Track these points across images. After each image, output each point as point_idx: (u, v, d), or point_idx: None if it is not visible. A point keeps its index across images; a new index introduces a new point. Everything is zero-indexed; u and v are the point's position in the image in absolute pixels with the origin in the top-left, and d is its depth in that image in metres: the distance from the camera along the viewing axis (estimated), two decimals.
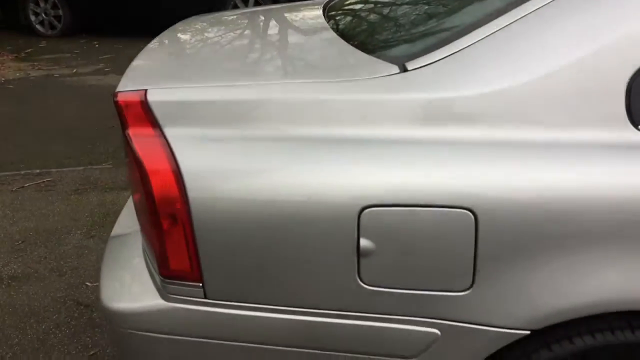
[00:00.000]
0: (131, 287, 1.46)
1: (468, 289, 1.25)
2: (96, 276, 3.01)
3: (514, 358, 1.32)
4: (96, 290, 2.89)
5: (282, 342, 1.34)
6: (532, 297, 1.24)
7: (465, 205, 1.20)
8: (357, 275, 1.27)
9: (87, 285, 2.94)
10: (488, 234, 1.21)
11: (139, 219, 1.48)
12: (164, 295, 1.37)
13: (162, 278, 1.35)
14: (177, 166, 1.28)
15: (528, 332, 1.26)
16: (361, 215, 1.23)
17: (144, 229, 1.42)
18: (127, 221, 1.80)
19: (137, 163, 1.32)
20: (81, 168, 4.53)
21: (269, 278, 1.30)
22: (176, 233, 1.30)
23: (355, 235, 1.24)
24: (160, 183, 1.29)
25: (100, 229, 3.54)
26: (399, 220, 1.22)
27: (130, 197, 2.00)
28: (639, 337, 1.28)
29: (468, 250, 1.22)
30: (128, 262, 1.56)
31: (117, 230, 1.76)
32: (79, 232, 3.52)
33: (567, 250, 1.21)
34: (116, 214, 3.71)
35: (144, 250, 1.54)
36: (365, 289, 1.27)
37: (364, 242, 1.24)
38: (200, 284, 1.33)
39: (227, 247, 1.29)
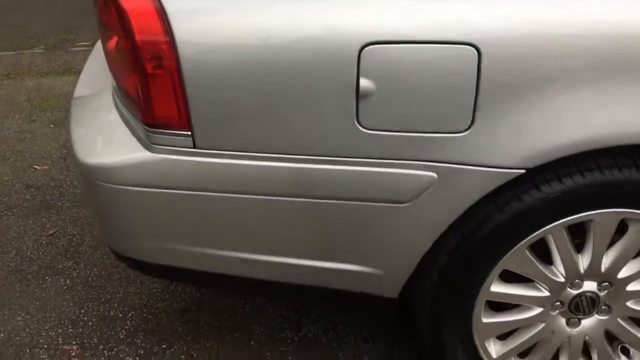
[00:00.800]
0: (109, 142, 1.37)
1: (467, 129, 1.23)
2: (44, 160, 2.88)
3: (505, 200, 1.34)
4: (46, 173, 2.77)
5: (275, 192, 1.31)
6: (529, 134, 1.24)
7: (468, 40, 1.16)
8: (355, 119, 1.23)
9: (35, 168, 2.81)
10: (490, 71, 1.18)
11: (113, 70, 1.37)
12: (148, 146, 1.29)
13: (146, 127, 1.28)
14: (160, 4, 1.18)
15: (523, 171, 1.27)
16: (362, 54, 1.17)
17: (122, 79, 1.32)
18: (88, 84, 1.68)
19: (113, 3, 1.21)
20: (11, 53, 4.23)
21: (262, 124, 1.24)
22: (161, 77, 1.21)
23: (355, 75, 1.19)
24: (142, 24, 1.19)
25: (41, 113, 3.36)
26: (401, 57, 1.18)
27: (88, 62, 1.86)
28: (625, 175, 1.32)
29: (469, 88, 1.19)
30: (99, 118, 1.46)
31: (79, 92, 1.65)
32: (17, 116, 3.32)
33: (564, 86, 1.20)
34: (56, 98, 3.51)
35: (116, 105, 1.44)
36: (364, 132, 1.24)
37: (364, 82, 1.19)
38: (189, 133, 1.26)
39: (219, 91, 1.21)
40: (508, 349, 1.54)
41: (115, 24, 1.23)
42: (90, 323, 1.96)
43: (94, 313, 2.00)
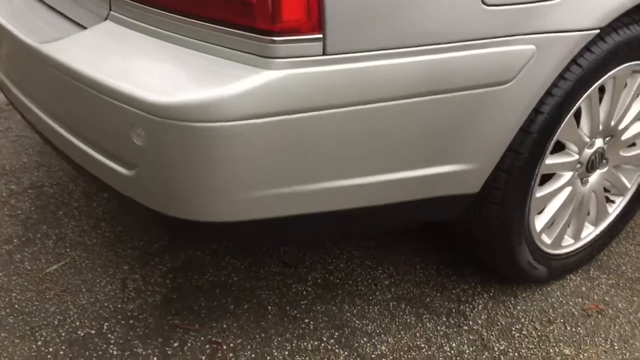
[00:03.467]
0: (189, 71, 1.05)
1: None
2: None
3: (566, 67, 1.38)
4: None
5: (403, 93, 1.15)
6: None
7: None
8: None
9: None
10: None
11: None
12: (265, 63, 1.03)
13: (264, 37, 1.01)
14: None
15: (597, 31, 1.34)
16: None
17: None
18: (33, 27, 1.26)
19: None
20: None
21: (396, 13, 1.09)
22: None
23: None
24: None
25: None
26: None
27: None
28: None
29: None
30: (137, 50, 1.11)
31: (40, 36, 1.21)
32: None
33: None
34: None
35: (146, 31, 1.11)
36: (485, 9, 1.17)
37: None
38: (320, 35, 1.04)
39: None
40: (545, 221, 1.63)
41: None
42: (61, 352, 1.51)
43: (57, 340, 1.54)
